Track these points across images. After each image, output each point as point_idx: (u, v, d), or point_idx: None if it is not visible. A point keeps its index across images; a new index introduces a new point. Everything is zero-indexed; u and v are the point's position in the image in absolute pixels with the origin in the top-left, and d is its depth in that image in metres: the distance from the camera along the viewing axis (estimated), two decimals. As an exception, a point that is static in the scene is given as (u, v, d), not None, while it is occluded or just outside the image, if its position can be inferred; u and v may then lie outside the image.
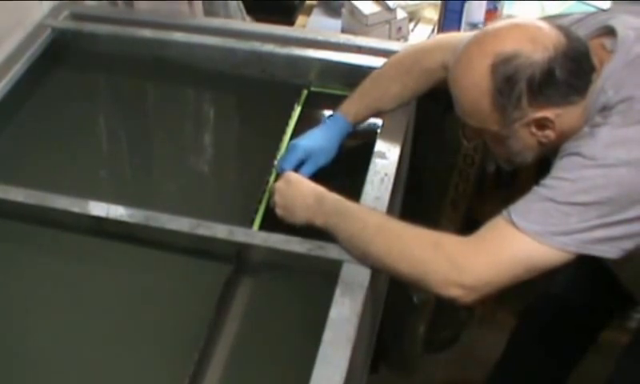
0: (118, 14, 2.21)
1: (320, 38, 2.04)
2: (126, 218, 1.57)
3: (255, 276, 1.58)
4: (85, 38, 2.12)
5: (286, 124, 1.89)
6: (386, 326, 1.95)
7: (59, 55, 2.12)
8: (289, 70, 2.01)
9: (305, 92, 1.99)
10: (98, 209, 1.59)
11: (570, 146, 1.33)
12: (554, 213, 1.28)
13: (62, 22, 2.14)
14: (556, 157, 1.36)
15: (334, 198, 1.48)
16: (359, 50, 1.98)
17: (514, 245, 1.30)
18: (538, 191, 1.32)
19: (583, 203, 1.26)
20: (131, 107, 2.07)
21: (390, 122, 1.75)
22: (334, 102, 1.79)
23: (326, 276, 1.42)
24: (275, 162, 1.75)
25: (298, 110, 1.94)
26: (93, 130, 1.98)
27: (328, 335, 1.30)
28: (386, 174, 1.61)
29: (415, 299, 2.35)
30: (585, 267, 1.68)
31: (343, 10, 2.45)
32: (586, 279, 1.86)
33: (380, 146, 1.68)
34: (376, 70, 1.76)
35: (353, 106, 1.73)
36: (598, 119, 1.31)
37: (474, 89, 1.36)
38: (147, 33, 2.09)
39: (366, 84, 1.74)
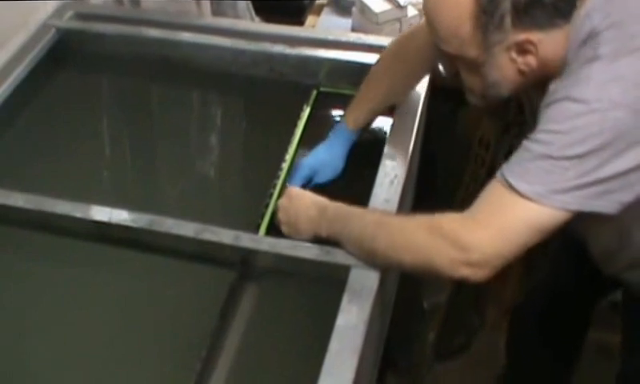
0: (123, 13, 2.21)
1: (330, 37, 2.03)
2: (129, 223, 1.56)
3: (261, 282, 1.56)
4: (90, 39, 2.12)
5: (295, 125, 1.87)
6: (395, 334, 1.92)
7: (64, 56, 2.11)
8: (298, 71, 2.00)
9: (314, 92, 1.98)
10: (101, 213, 1.58)
11: (558, 89, 1.26)
12: (552, 169, 1.22)
13: (67, 21, 2.14)
14: (542, 103, 1.29)
15: (335, 206, 1.48)
16: (370, 48, 1.96)
17: (515, 211, 1.24)
18: (530, 148, 1.25)
19: (579, 155, 1.20)
20: (137, 109, 2.07)
21: (400, 122, 1.73)
22: (344, 102, 1.79)
23: (333, 282, 1.41)
24: (276, 182, 1.73)
25: (307, 110, 1.92)
26: (97, 132, 1.98)
27: (334, 344, 1.28)
28: (395, 176, 1.59)
29: (425, 305, 2.33)
30: (566, 255, 1.69)
31: (354, 9, 2.45)
32: (569, 267, 1.85)
33: (390, 147, 1.66)
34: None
35: (352, 113, 1.74)
36: (585, 51, 1.24)
37: (455, 8, 1.29)
38: (154, 33, 2.09)
39: (361, 88, 1.74)
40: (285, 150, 1.79)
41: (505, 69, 1.31)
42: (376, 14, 2.31)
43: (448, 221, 1.30)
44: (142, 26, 2.10)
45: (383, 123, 1.81)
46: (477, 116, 2.21)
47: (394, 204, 1.53)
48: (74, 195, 1.62)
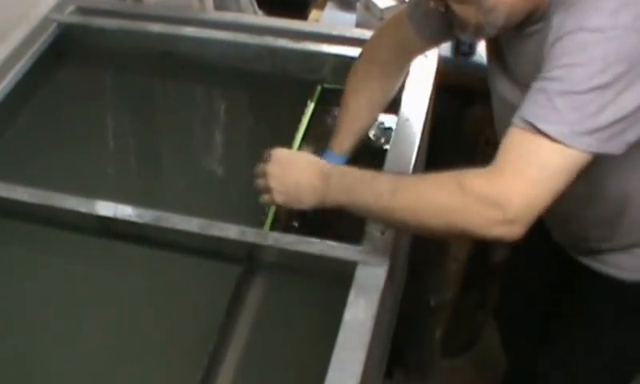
0: (125, 7, 2.21)
1: (334, 32, 2.03)
2: (134, 218, 1.56)
3: (267, 277, 1.56)
4: (91, 33, 2.12)
5: (300, 121, 1.86)
6: (402, 330, 1.92)
7: (65, 50, 2.11)
8: (302, 66, 2.00)
9: (318, 88, 1.97)
10: (106, 209, 1.58)
11: (566, 22, 1.20)
12: (575, 105, 1.16)
13: (68, 16, 2.14)
14: (548, 42, 1.23)
15: (339, 173, 1.38)
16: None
17: (544, 155, 1.17)
18: (548, 87, 1.19)
19: (602, 85, 1.15)
20: (139, 104, 2.07)
21: (406, 120, 1.71)
22: None
23: (340, 277, 1.39)
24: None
25: (311, 106, 1.91)
26: (100, 127, 1.98)
27: (342, 339, 1.27)
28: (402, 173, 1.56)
29: (432, 302, 2.33)
30: (535, 247, 1.64)
31: (358, 4, 2.44)
32: (540, 256, 1.83)
33: (395, 144, 1.65)
34: None
35: (336, 138, 1.69)
36: None
37: None
38: (156, 27, 2.08)
39: (340, 110, 1.70)
40: (289, 146, 1.78)
41: None
42: (381, 10, 2.30)
43: (475, 178, 1.21)
44: (144, 21, 2.10)
45: (389, 122, 1.80)
46: (483, 115, 2.21)
47: None
48: (78, 190, 1.61)
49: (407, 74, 1.77)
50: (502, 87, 1.46)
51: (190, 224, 1.53)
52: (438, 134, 2.02)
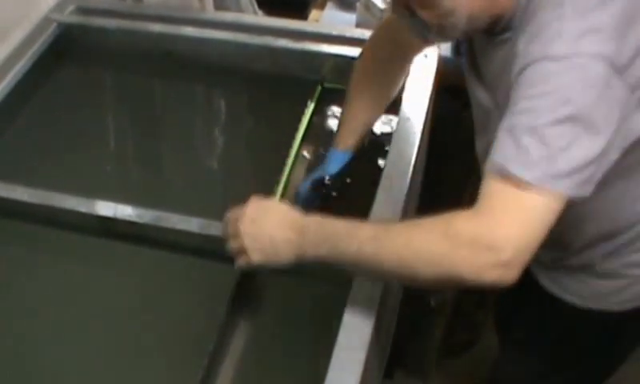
0: (125, 7, 2.20)
1: (334, 32, 2.02)
2: (134, 218, 1.57)
3: (267, 277, 1.55)
4: (92, 33, 2.12)
5: (300, 120, 1.86)
6: (402, 330, 1.92)
7: (65, 50, 2.11)
8: (302, 66, 1.99)
9: (319, 88, 1.97)
10: (106, 209, 1.58)
11: (531, 49, 1.14)
12: (544, 140, 1.09)
13: (68, 16, 2.14)
14: (514, 69, 1.17)
15: (315, 224, 1.28)
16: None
17: (523, 201, 1.10)
18: (514, 126, 1.13)
19: (566, 118, 1.09)
20: (140, 104, 2.07)
21: (406, 119, 1.71)
22: None
23: (340, 277, 1.37)
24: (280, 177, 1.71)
25: (311, 106, 1.92)
26: (100, 127, 1.97)
27: (342, 339, 1.27)
28: (402, 175, 1.57)
29: (432, 302, 2.32)
30: None
31: (358, 4, 2.45)
32: None
33: (395, 147, 1.64)
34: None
35: (340, 136, 1.69)
36: None
37: None
38: (156, 27, 2.08)
39: (344, 107, 1.71)
40: (290, 146, 1.79)
41: None
42: (381, 10, 2.31)
43: (462, 222, 1.14)
44: (144, 21, 2.10)
45: (390, 122, 1.81)
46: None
47: (399, 205, 1.50)
48: (78, 190, 1.62)
49: (407, 73, 1.77)
50: (478, 93, 1.44)
51: (190, 224, 1.53)
52: (437, 134, 2.02)
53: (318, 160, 1.76)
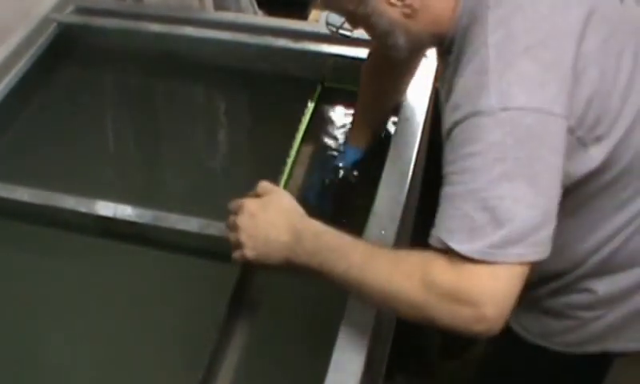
0: (125, 7, 2.22)
1: None
2: (134, 218, 1.57)
3: (266, 277, 1.54)
4: (91, 33, 2.13)
5: (300, 120, 1.87)
6: (402, 332, 1.91)
7: (65, 50, 2.12)
8: (302, 65, 2.00)
9: (319, 88, 1.97)
10: (106, 209, 1.59)
11: (463, 101, 1.11)
12: (485, 203, 1.05)
13: (68, 16, 2.15)
14: (444, 126, 1.16)
15: (311, 234, 1.25)
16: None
17: (478, 277, 1.06)
18: (453, 191, 1.10)
19: (504, 175, 1.05)
20: (139, 104, 2.07)
21: (406, 120, 1.71)
22: (349, 98, 1.80)
23: None
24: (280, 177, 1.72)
25: (311, 106, 1.92)
26: (100, 127, 1.98)
27: (342, 340, 1.27)
28: (402, 174, 1.57)
29: None
30: None
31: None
32: None
33: (396, 144, 1.64)
34: None
35: (352, 133, 1.74)
36: (476, 31, 1.14)
37: None
38: (156, 27, 2.08)
39: (357, 104, 1.74)
40: (290, 146, 1.79)
41: (390, 16, 1.22)
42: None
43: (439, 273, 1.09)
44: (144, 21, 2.11)
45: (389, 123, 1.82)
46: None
47: (400, 203, 1.50)
48: (77, 190, 1.62)
49: (417, 68, 1.78)
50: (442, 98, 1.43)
51: (190, 224, 1.54)
52: (437, 134, 2.01)
53: (321, 158, 1.78)
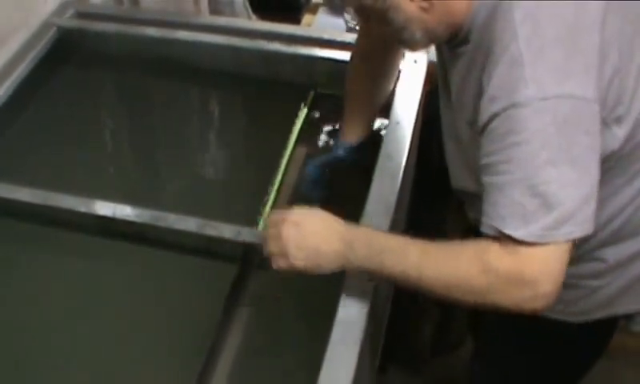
0: (123, 12, 2.23)
1: (326, 36, 2.04)
2: (132, 218, 1.58)
3: (262, 276, 1.57)
4: (90, 37, 2.13)
5: (293, 124, 1.88)
6: (394, 327, 1.94)
7: (65, 54, 2.11)
8: (294, 69, 2.01)
9: (312, 93, 1.98)
10: (105, 208, 1.59)
11: (496, 100, 1.15)
12: (534, 191, 1.11)
13: (68, 20, 2.14)
14: (480, 121, 1.19)
15: (363, 238, 1.29)
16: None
17: (532, 257, 1.13)
18: (501, 181, 1.15)
19: (549, 161, 1.10)
20: (137, 106, 2.08)
21: (397, 123, 1.72)
22: (342, 103, 1.78)
23: (334, 276, 1.38)
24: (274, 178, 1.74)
25: (304, 110, 1.94)
26: (99, 129, 1.99)
27: (336, 335, 1.29)
28: (392, 176, 1.58)
29: (422, 300, 2.33)
30: None
31: (346, 11, 2.44)
32: None
33: (387, 145, 1.66)
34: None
35: (346, 128, 1.75)
36: (504, 26, 1.16)
37: None
38: (153, 31, 2.09)
39: (345, 100, 1.75)
40: (283, 148, 1.81)
41: (406, 10, 1.23)
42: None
43: (497, 260, 1.16)
44: (141, 25, 2.11)
45: (380, 123, 1.83)
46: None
47: (391, 202, 1.51)
48: (77, 190, 1.63)
49: (398, 78, 1.80)
50: (444, 97, 1.48)
51: (187, 224, 1.55)
52: (427, 136, 2.04)
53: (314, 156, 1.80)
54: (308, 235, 1.30)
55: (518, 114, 1.12)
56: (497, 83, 1.16)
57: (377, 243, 1.27)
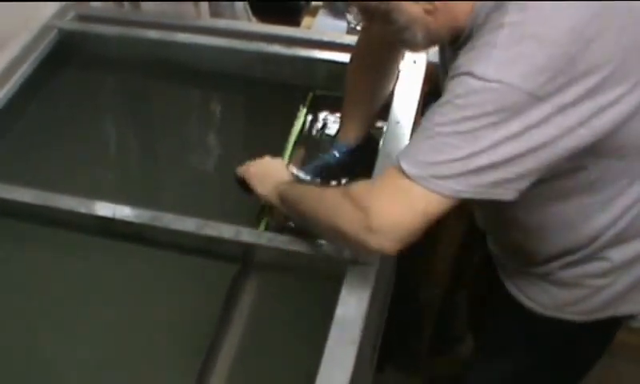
0: (124, 15, 2.22)
1: (326, 38, 2.05)
2: (132, 219, 1.58)
3: (261, 276, 1.58)
4: (91, 39, 2.13)
5: (292, 125, 1.89)
6: (392, 326, 1.94)
7: (65, 56, 2.12)
8: (294, 71, 2.02)
9: (311, 94, 1.98)
10: (105, 209, 1.59)
11: (464, 62, 1.17)
12: (442, 147, 1.15)
13: (68, 23, 2.15)
14: (447, 75, 1.22)
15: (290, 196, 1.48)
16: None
17: (409, 194, 1.17)
18: (422, 125, 1.20)
19: (471, 131, 1.12)
20: (137, 108, 2.09)
21: (396, 123, 1.74)
22: (341, 104, 1.79)
23: (332, 276, 1.42)
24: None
25: (303, 111, 1.94)
26: (99, 130, 1.99)
27: (334, 335, 1.29)
28: None
29: (421, 299, 2.34)
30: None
31: (348, 12, 2.44)
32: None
33: (386, 146, 1.67)
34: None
35: (344, 129, 1.75)
36: (495, 17, 1.17)
37: None
38: (153, 34, 2.10)
39: (344, 102, 1.76)
40: (282, 149, 1.81)
41: (410, 11, 1.25)
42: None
43: (358, 185, 1.27)
44: (141, 28, 2.12)
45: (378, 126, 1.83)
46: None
47: None
48: (78, 191, 1.63)
49: (398, 79, 1.80)
50: None
51: (187, 224, 1.55)
52: None
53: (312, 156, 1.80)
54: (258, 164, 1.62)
55: (468, 83, 1.14)
56: (468, 51, 1.18)
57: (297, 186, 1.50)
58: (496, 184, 1.15)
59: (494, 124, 1.11)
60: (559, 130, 1.13)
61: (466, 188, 1.15)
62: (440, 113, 1.16)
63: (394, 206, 1.19)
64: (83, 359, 1.44)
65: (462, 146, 1.13)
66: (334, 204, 1.29)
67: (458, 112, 1.14)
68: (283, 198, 1.48)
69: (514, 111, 1.11)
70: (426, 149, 1.17)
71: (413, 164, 1.17)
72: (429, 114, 1.19)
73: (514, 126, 1.12)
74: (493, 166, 1.13)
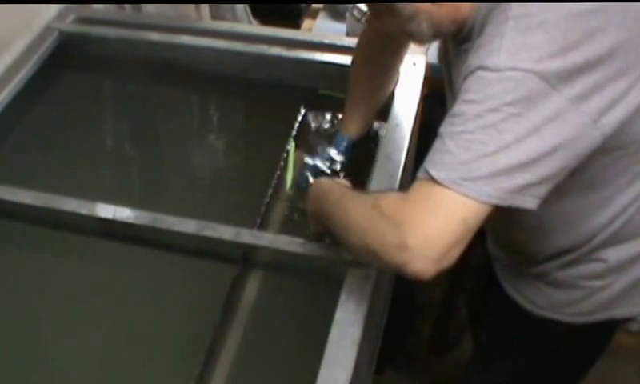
0: (125, 17, 2.22)
1: (326, 41, 2.04)
2: (133, 220, 1.58)
3: (261, 277, 1.58)
4: (92, 42, 2.13)
5: (293, 126, 1.89)
6: (391, 327, 1.94)
7: (66, 59, 2.12)
8: (295, 73, 2.01)
9: (311, 96, 1.99)
10: (106, 211, 1.59)
11: (473, 59, 1.17)
12: (468, 144, 1.12)
13: (69, 25, 2.15)
14: (460, 78, 1.21)
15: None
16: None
17: (441, 203, 1.12)
18: (443, 130, 1.16)
19: (492, 125, 1.10)
20: (138, 110, 2.08)
21: (395, 125, 1.73)
22: (341, 105, 1.80)
23: (332, 277, 1.42)
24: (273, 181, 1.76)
25: (304, 112, 1.94)
26: (100, 132, 1.99)
27: (334, 336, 1.29)
28: (391, 176, 1.59)
29: (420, 301, 2.34)
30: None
31: (348, 14, 2.45)
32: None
33: (386, 146, 1.67)
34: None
35: (346, 122, 1.76)
36: (499, 13, 1.17)
37: None
38: (154, 36, 2.09)
39: (347, 96, 1.76)
40: (283, 151, 1.82)
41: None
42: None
43: (388, 201, 1.19)
44: (142, 30, 2.11)
45: (378, 128, 1.84)
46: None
47: None
48: (78, 193, 1.63)
49: (398, 80, 1.81)
50: (448, 97, 1.49)
51: (187, 225, 1.55)
52: (425, 139, 2.04)
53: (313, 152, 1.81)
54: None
55: (483, 77, 1.13)
56: (478, 48, 1.17)
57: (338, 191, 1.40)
58: (522, 189, 1.12)
59: (515, 115, 1.10)
60: (575, 128, 1.13)
61: (496, 192, 1.10)
62: (459, 113, 1.14)
63: (428, 218, 1.12)
64: (84, 360, 1.45)
65: (488, 142, 1.10)
66: (365, 220, 1.23)
67: (478, 107, 1.12)
68: (317, 217, 1.44)
69: (531, 100, 1.10)
70: (453, 149, 1.13)
71: (441, 168, 1.13)
72: (446, 121, 1.17)
73: (534, 117, 1.10)
74: (520, 167, 1.11)
